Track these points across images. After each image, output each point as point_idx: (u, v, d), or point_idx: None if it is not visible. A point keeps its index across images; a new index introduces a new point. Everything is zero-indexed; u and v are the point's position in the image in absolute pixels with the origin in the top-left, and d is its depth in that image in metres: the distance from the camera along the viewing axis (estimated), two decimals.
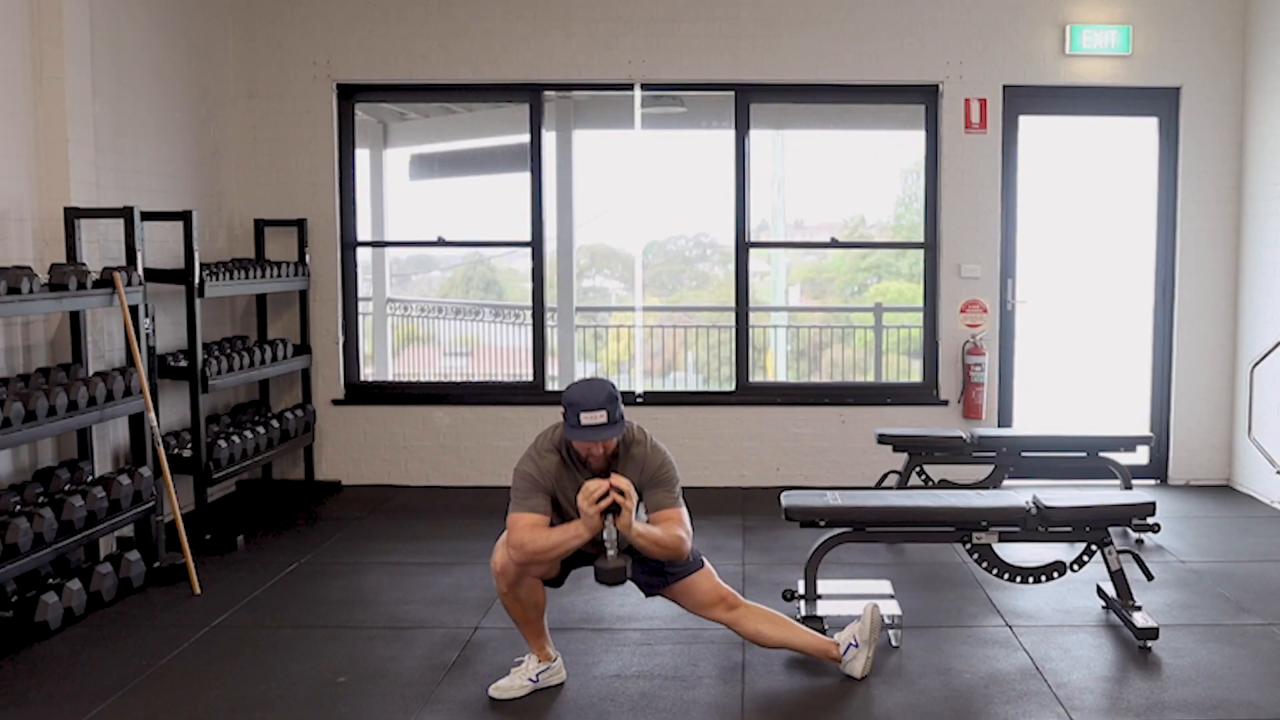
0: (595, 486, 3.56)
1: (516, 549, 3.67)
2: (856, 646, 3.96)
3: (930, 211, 7.23)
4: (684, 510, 3.79)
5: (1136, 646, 4.30)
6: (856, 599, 4.48)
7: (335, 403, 7.23)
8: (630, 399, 7.24)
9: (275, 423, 6.56)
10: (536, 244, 7.28)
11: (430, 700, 3.84)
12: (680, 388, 8.63)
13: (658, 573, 3.90)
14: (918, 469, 6.19)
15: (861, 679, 3.97)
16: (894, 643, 4.30)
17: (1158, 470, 7.26)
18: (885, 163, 8.06)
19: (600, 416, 3.60)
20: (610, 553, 3.58)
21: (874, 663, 4.02)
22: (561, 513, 3.77)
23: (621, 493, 3.55)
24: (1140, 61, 7.00)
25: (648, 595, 4.00)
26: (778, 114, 7.59)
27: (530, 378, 7.37)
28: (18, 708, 3.78)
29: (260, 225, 7.06)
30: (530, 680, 3.89)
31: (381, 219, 8.23)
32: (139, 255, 5.23)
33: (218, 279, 5.94)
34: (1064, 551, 5.04)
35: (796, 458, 7.17)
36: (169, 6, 6.36)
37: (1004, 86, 7.05)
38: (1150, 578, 4.63)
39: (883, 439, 6.14)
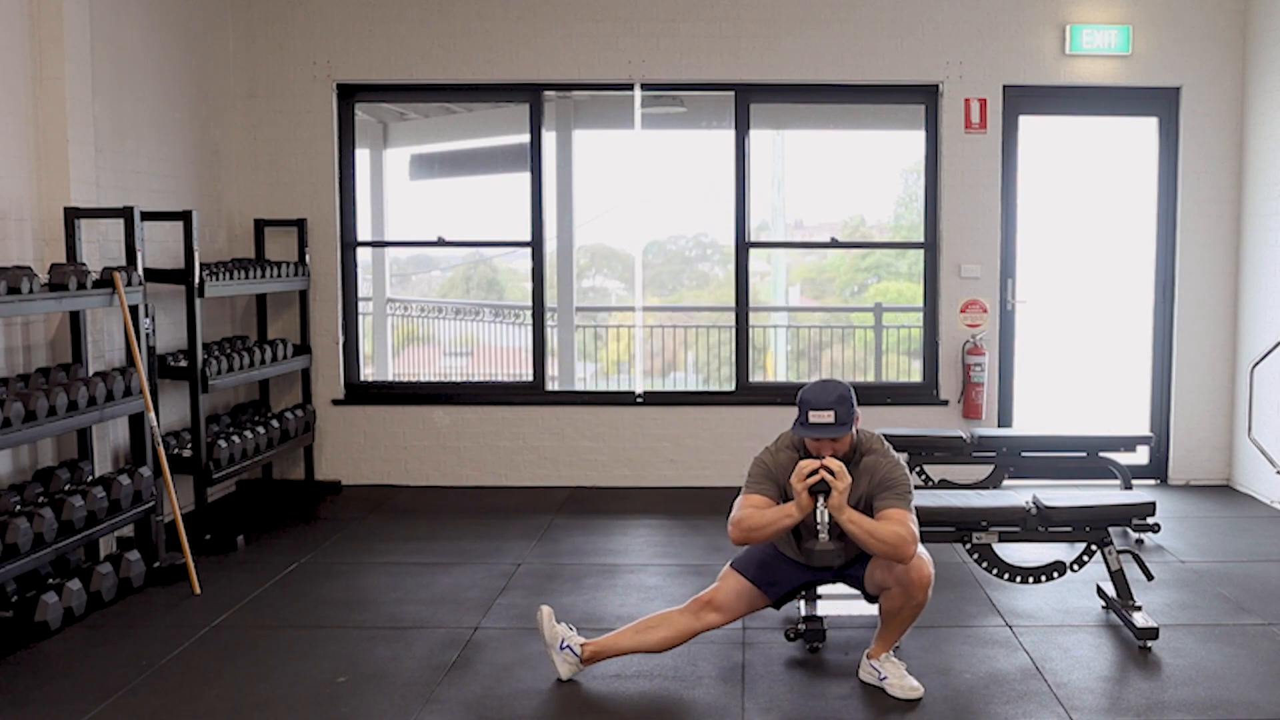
0: (807, 464, 3.66)
1: (735, 526, 3.78)
2: (879, 678, 3.93)
3: (930, 211, 7.23)
4: (913, 515, 3.76)
5: (1136, 646, 4.30)
6: (856, 599, 4.48)
7: (335, 403, 7.23)
8: (630, 399, 7.25)
9: (275, 423, 6.56)
10: (536, 244, 7.28)
11: (430, 700, 3.84)
12: (680, 388, 8.64)
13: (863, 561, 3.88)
14: (918, 469, 6.19)
15: (856, 671, 3.98)
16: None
17: (1158, 470, 7.26)
18: (885, 163, 8.05)
19: (828, 416, 3.70)
20: (821, 535, 3.64)
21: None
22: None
23: (832, 473, 3.63)
24: (1140, 61, 7.00)
25: (869, 598, 3.97)
26: (778, 114, 7.59)
27: (530, 378, 7.37)
28: (18, 708, 3.78)
29: (260, 225, 7.06)
30: (559, 642, 3.96)
31: (381, 219, 8.23)
32: (139, 255, 5.23)
33: (218, 279, 5.94)
34: (1064, 551, 5.04)
35: None
36: (169, 7, 6.36)
37: (1004, 86, 7.05)
38: (1150, 578, 4.63)
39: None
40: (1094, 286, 7.49)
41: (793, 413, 7.32)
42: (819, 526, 3.65)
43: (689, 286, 9.13)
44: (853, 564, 3.96)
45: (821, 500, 3.64)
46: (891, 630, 3.93)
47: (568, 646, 3.96)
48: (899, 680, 3.87)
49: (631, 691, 3.92)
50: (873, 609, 4.40)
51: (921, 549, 3.82)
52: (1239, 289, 7.05)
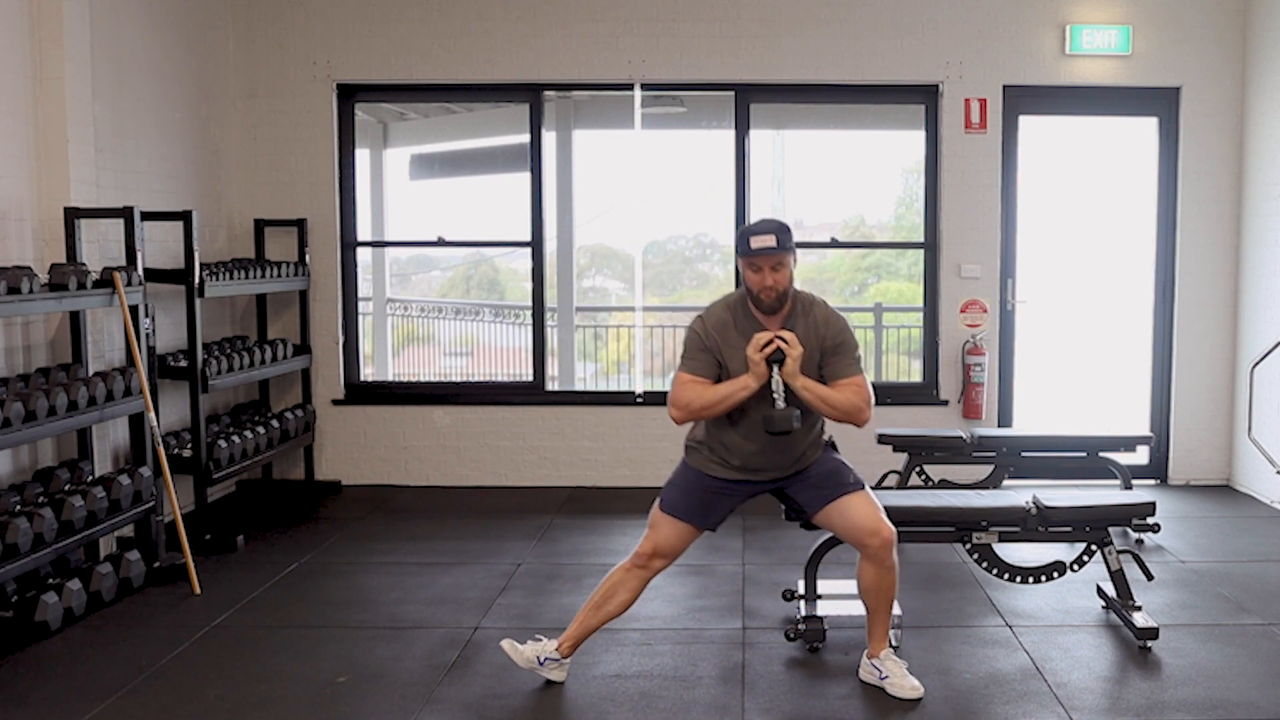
0: (762, 336, 3.65)
1: (680, 408, 3.74)
2: (881, 676, 3.92)
3: (930, 211, 7.23)
4: (866, 379, 3.77)
5: (1136, 646, 4.30)
6: (856, 599, 4.48)
7: (335, 403, 7.23)
8: (630, 399, 7.25)
9: (275, 423, 6.56)
10: (536, 244, 7.27)
11: (430, 700, 3.84)
12: None
13: (812, 487, 3.86)
14: (918, 469, 6.19)
15: (857, 671, 3.99)
16: (894, 643, 4.29)
17: (1158, 470, 7.26)
18: (885, 163, 8.05)
19: (769, 240, 3.66)
20: (779, 403, 3.63)
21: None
22: (729, 378, 3.76)
23: (786, 342, 3.62)
24: (1140, 61, 7.00)
25: (806, 523, 3.98)
26: (778, 114, 7.58)
27: (530, 378, 7.37)
28: (18, 708, 3.78)
29: (260, 225, 7.06)
30: (537, 660, 3.92)
31: (381, 219, 8.23)
32: (139, 255, 5.23)
33: (218, 279, 5.94)
34: (1064, 551, 5.04)
35: None
36: (169, 7, 6.36)
37: (1004, 86, 7.05)
38: (1150, 578, 4.63)
39: (883, 439, 6.14)
40: (1094, 286, 7.49)
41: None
42: (775, 394, 3.64)
43: (689, 286, 9.12)
44: (794, 481, 3.88)
45: (776, 369, 3.64)
46: (879, 612, 3.91)
47: (547, 659, 3.93)
48: (900, 680, 3.87)
49: (631, 691, 3.92)
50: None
51: (883, 515, 3.82)
52: (1239, 289, 7.05)
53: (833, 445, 4.00)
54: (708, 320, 3.80)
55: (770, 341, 3.63)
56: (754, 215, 7.36)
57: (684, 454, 4.00)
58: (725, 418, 3.80)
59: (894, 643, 4.28)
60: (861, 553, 3.84)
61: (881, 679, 3.90)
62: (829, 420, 3.82)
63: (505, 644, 3.97)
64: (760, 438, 3.76)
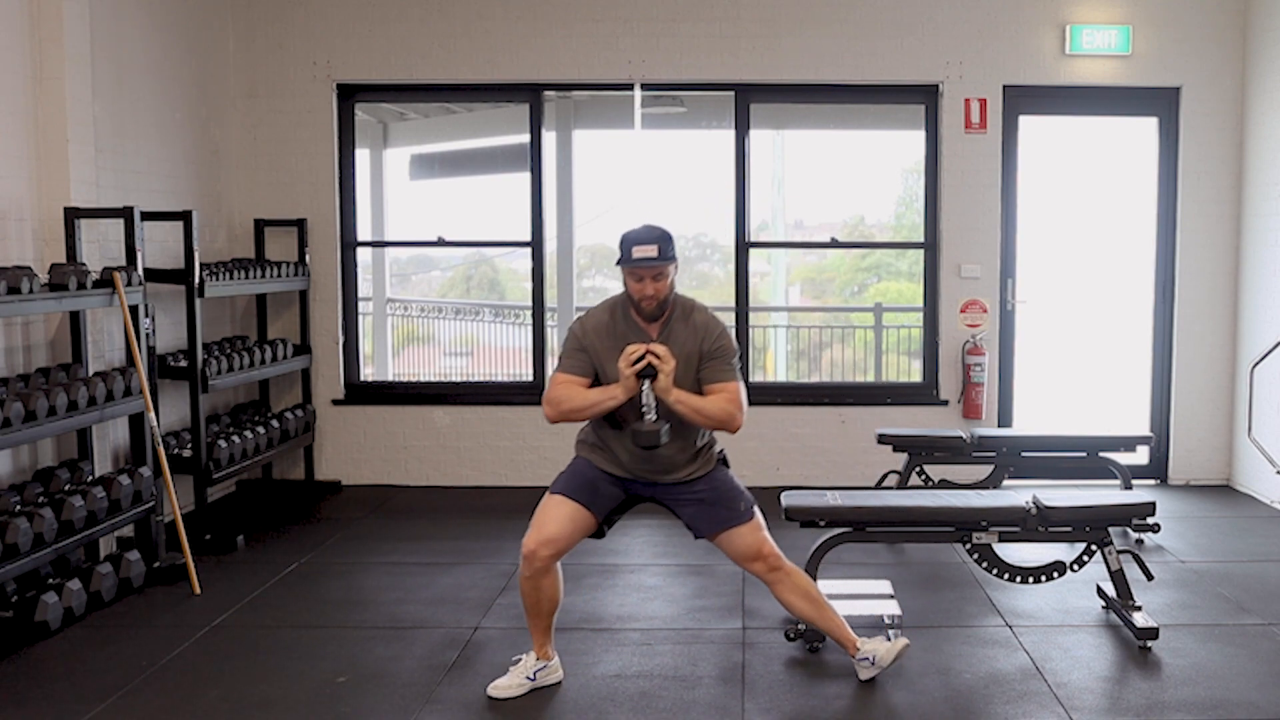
0: (634, 349, 3.63)
1: (552, 405, 3.74)
2: (871, 664, 3.94)
3: (930, 211, 7.22)
4: (741, 385, 3.77)
5: (1136, 646, 4.30)
6: (857, 599, 4.48)
7: (335, 403, 7.23)
8: None
9: (275, 423, 6.56)
10: (536, 244, 7.27)
11: (430, 700, 3.84)
12: None
13: (705, 517, 3.88)
14: (918, 469, 6.19)
15: (862, 681, 3.97)
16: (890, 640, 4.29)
17: (1158, 470, 7.26)
18: (885, 163, 8.06)
19: (651, 250, 3.66)
20: (648, 416, 3.62)
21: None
22: (605, 380, 3.77)
23: (658, 356, 3.60)
24: (1140, 61, 7.00)
25: (697, 537, 3.98)
26: (778, 114, 7.59)
27: (530, 378, 7.37)
28: (18, 708, 3.78)
29: (260, 225, 7.06)
30: (528, 679, 3.89)
31: (381, 219, 8.23)
32: (139, 255, 5.23)
33: (218, 279, 5.94)
34: (1064, 551, 5.03)
35: (796, 458, 7.17)
36: (169, 7, 6.36)
37: (1004, 86, 7.05)
38: (1150, 578, 4.63)
39: (883, 439, 6.14)
40: (1094, 287, 7.49)
41: (793, 412, 7.29)
42: (644, 408, 3.63)
43: (689, 286, 9.12)
44: (681, 496, 3.89)
45: (648, 383, 3.62)
46: (821, 620, 3.92)
47: (535, 672, 3.90)
48: (885, 651, 3.90)
49: (631, 691, 3.92)
50: (874, 609, 4.43)
51: (760, 520, 3.87)
52: (1239, 289, 7.05)
53: (724, 462, 4.00)
54: (587, 323, 3.83)
55: (643, 356, 3.61)
56: (754, 215, 7.37)
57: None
58: (605, 418, 3.82)
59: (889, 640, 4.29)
60: (759, 578, 3.91)
61: (874, 664, 3.92)
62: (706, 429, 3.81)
63: (491, 689, 3.87)
64: (628, 439, 3.78)
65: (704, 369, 3.76)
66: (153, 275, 5.60)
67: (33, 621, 4.35)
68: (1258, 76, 6.84)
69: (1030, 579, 4.54)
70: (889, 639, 4.01)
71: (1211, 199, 7.05)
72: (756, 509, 3.94)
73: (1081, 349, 7.53)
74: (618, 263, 3.72)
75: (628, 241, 3.70)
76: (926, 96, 7.15)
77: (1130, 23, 6.96)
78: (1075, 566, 4.53)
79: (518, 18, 7.03)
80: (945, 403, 7.16)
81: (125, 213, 5.23)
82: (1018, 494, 4.64)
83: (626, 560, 5.53)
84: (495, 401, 7.26)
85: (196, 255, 5.63)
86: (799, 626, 4.27)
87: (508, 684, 3.88)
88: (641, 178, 7.46)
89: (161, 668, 4.12)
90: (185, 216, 5.60)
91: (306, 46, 7.08)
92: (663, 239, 3.70)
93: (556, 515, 3.80)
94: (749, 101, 7.17)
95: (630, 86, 7.18)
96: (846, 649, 3.97)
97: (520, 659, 3.96)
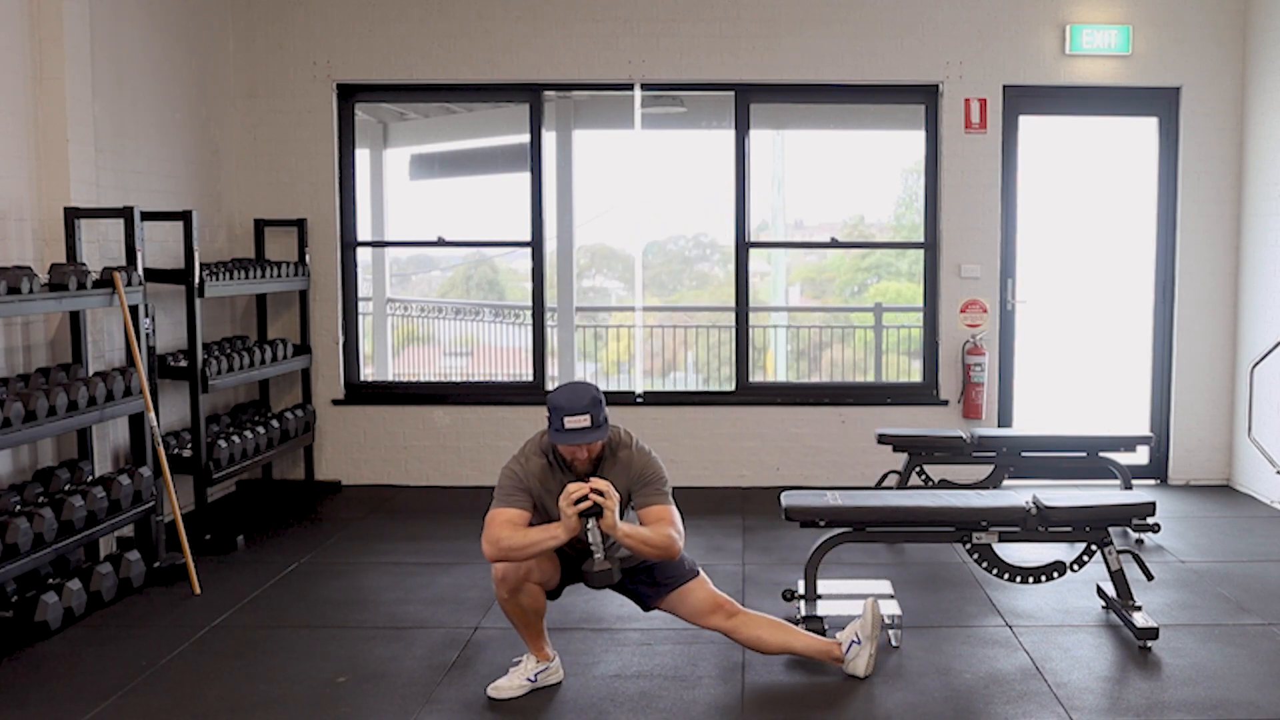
0: (575, 489, 3.56)
1: (491, 544, 3.68)
2: (859, 644, 3.96)
3: (930, 211, 7.23)
4: (674, 508, 3.77)
5: (1136, 646, 4.30)
6: (856, 599, 4.48)
7: (335, 403, 7.23)
8: (630, 399, 7.25)
9: (275, 423, 6.56)
10: (536, 244, 7.28)
11: (430, 700, 3.84)
12: (680, 388, 8.63)
13: (652, 583, 3.93)
14: (918, 469, 6.19)
15: (864, 678, 3.97)
16: (894, 643, 4.30)
17: (1158, 470, 7.26)
18: (885, 163, 8.05)
19: (584, 420, 3.62)
20: (597, 555, 3.59)
21: (876, 661, 4.01)
22: (546, 518, 3.76)
23: (601, 494, 3.55)
24: (1140, 61, 7.00)
25: (646, 609, 4.02)
26: (778, 114, 7.58)
27: (530, 378, 7.37)
28: (18, 708, 3.78)
29: (260, 225, 7.06)
30: (528, 680, 3.90)
31: (381, 219, 8.22)
32: (139, 255, 5.23)
33: (218, 279, 5.94)
34: (1064, 551, 5.04)
35: (796, 458, 7.17)
36: (169, 7, 6.36)
37: (1004, 86, 7.05)
38: (1150, 578, 4.63)
39: (883, 439, 6.14)
40: (1094, 286, 7.49)
41: (793, 412, 7.29)
42: (592, 546, 3.59)
43: (689, 286, 9.12)
44: (637, 580, 3.93)
45: (593, 521, 3.57)
46: (796, 646, 3.98)
47: (536, 673, 3.91)
48: (859, 622, 3.98)
49: (631, 691, 3.92)
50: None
51: (716, 591, 3.93)
52: (1239, 289, 7.05)
53: None
54: (525, 465, 3.79)
55: (586, 497, 3.55)
56: (754, 215, 7.37)
57: None
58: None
59: (894, 643, 4.29)
60: (720, 630, 3.95)
61: (863, 640, 3.95)
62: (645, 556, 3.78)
63: (491, 690, 3.88)
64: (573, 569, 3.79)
65: (636, 497, 3.76)
66: (153, 275, 5.60)
67: (33, 621, 4.35)
68: (1258, 76, 6.84)
69: (1030, 579, 4.54)
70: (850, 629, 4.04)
71: (1211, 199, 7.05)
72: (699, 566, 3.99)
73: (1081, 349, 7.53)
74: (549, 432, 3.66)
75: (558, 411, 3.63)
76: (926, 96, 7.15)
77: (1130, 23, 6.96)
78: (1075, 566, 4.54)
79: (518, 18, 7.03)
80: (945, 403, 7.16)
81: (125, 213, 5.23)
82: (1018, 494, 4.64)
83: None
84: (495, 401, 7.26)
85: (196, 255, 5.63)
86: (799, 626, 4.26)
87: (508, 684, 3.88)
88: (641, 178, 7.46)
89: (161, 668, 4.12)
90: (185, 216, 5.60)
91: (306, 46, 7.08)
92: (594, 405, 3.65)
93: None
94: (749, 101, 7.17)
95: (630, 86, 7.18)
96: (833, 655, 3.99)
97: (520, 660, 3.96)
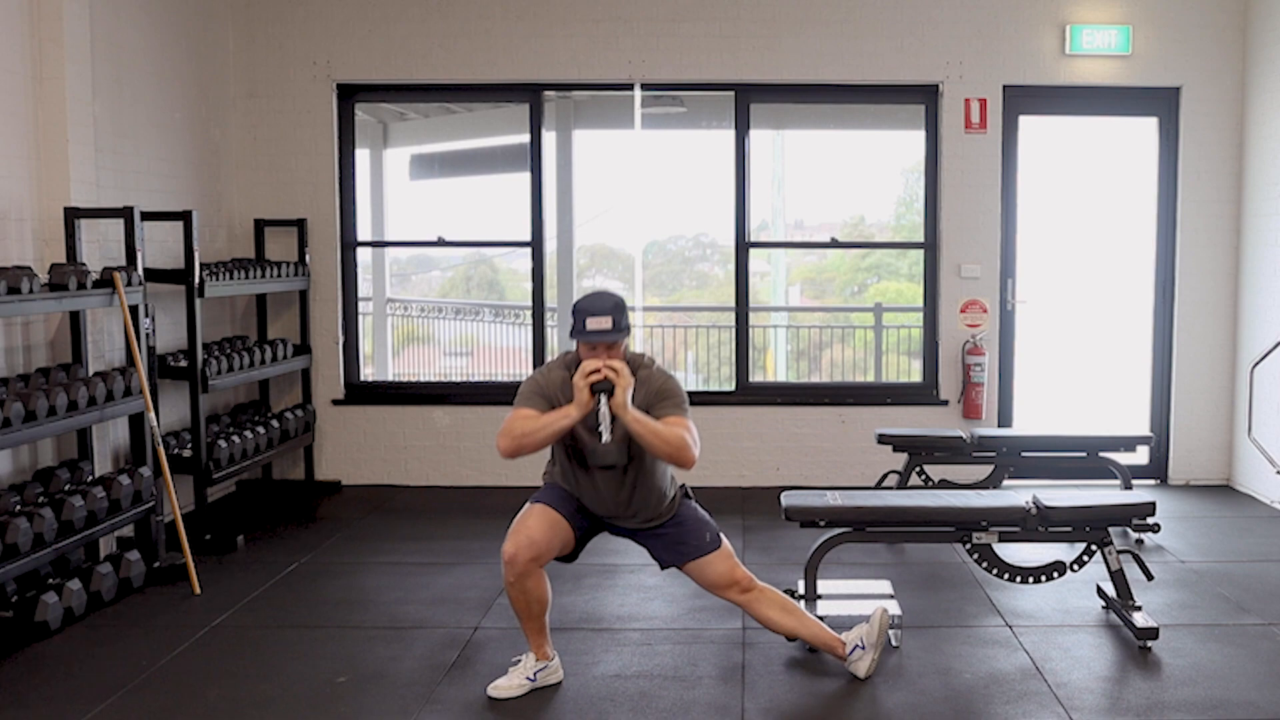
0: (590, 364, 3.64)
1: (506, 436, 3.74)
2: (863, 649, 3.96)
3: (930, 211, 7.23)
4: (691, 424, 3.78)
5: (1136, 646, 4.30)
6: (856, 599, 4.49)
7: (335, 403, 7.23)
8: None
9: (275, 423, 6.56)
10: (536, 244, 7.28)
11: (430, 700, 3.84)
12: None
13: (675, 545, 3.94)
14: (918, 469, 6.19)
15: (864, 679, 3.97)
16: (894, 643, 4.30)
17: (1158, 470, 7.26)
18: (885, 163, 8.06)
19: (605, 322, 3.69)
20: (605, 436, 3.62)
21: (877, 663, 4.02)
22: (567, 434, 3.78)
23: (615, 370, 3.61)
24: (1140, 61, 7.00)
25: (663, 568, 4.03)
26: (778, 114, 7.59)
27: None
28: (18, 708, 3.78)
29: (260, 225, 7.06)
30: (528, 679, 3.89)
31: (381, 219, 8.23)
32: (139, 255, 5.23)
33: (218, 279, 5.94)
34: (1064, 551, 5.04)
35: (796, 458, 7.17)
36: (169, 7, 6.36)
37: (1004, 86, 7.05)
38: (1150, 578, 4.63)
39: (883, 439, 6.14)
40: (1094, 286, 7.49)
41: (793, 412, 7.30)
42: (601, 426, 3.63)
43: (689, 286, 9.13)
44: (650, 538, 3.96)
45: (604, 399, 3.62)
46: (804, 631, 3.98)
47: (535, 672, 3.90)
48: (868, 627, 3.97)
49: (631, 691, 3.92)
50: (874, 609, 4.42)
51: (729, 548, 3.94)
52: (1239, 289, 7.05)
53: (688, 494, 4.04)
54: (547, 375, 3.87)
55: (599, 370, 3.61)
56: (754, 215, 7.37)
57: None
58: (566, 456, 3.87)
59: (894, 643, 4.29)
60: (735, 603, 3.98)
61: (866, 647, 3.95)
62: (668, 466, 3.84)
63: (491, 690, 3.88)
64: (593, 479, 3.84)
65: (655, 410, 3.78)
66: (153, 275, 5.60)
67: (33, 621, 4.35)
68: (1258, 76, 6.84)
69: (1030, 579, 4.54)
70: (856, 634, 4.03)
71: (1211, 199, 7.05)
72: (723, 536, 4.00)
73: (1081, 349, 7.53)
74: (571, 333, 3.74)
75: (581, 312, 3.72)
76: (926, 96, 7.15)
77: (1130, 23, 6.96)
78: (1075, 566, 4.54)
79: (518, 18, 7.03)
80: (945, 403, 7.16)
81: (125, 213, 5.23)
82: (1018, 494, 4.64)
83: (626, 560, 5.53)
84: (495, 401, 7.25)
85: (196, 255, 5.63)
86: None
87: (508, 684, 3.88)
88: (641, 178, 7.46)
89: (161, 668, 4.12)
90: (185, 216, 5.60)
91: (306, 46, 7.08)
92: (616, 310, 3.72)
93: (537, 521, 3.82)
94: (749, 101, 7.17)
95: (630, 86, 7.18)
96: (836, 651, 4.00)
97: (520, 659, 3.96)
